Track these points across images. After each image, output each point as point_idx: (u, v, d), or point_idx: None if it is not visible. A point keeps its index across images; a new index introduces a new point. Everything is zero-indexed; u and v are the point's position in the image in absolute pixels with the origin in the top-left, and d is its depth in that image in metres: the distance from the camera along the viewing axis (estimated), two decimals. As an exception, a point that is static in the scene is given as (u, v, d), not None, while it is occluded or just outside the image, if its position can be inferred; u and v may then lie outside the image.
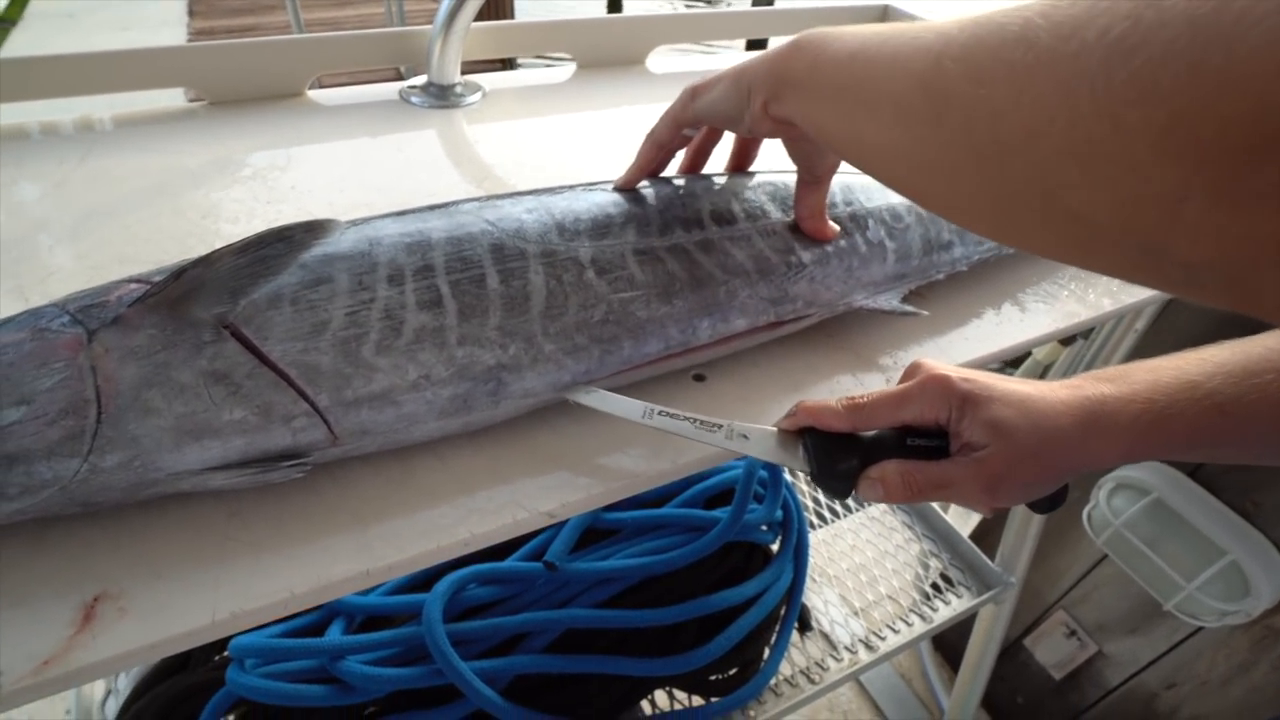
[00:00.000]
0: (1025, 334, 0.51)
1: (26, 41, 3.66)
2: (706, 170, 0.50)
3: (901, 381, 0.41)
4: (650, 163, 0.45)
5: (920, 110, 0.28)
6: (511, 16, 3.76)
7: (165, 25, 3.72)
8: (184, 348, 0.32)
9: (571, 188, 0.44)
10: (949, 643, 1.29)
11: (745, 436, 0.37)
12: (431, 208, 0.41)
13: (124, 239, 0.49)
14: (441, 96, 0.71)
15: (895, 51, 0.30)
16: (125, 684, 0.77)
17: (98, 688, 0.78)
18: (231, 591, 0.31)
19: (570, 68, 0.81)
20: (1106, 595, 0.99)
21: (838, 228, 0.46)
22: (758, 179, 0.48)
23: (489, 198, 0.42)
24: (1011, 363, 1.27)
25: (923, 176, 0.30)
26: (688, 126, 0.44)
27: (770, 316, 0.43)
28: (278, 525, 0.33)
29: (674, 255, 0.41)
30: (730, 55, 0.95)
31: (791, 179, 0.49)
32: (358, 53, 0.69)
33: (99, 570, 0.31)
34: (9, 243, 0.48)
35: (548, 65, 0.78)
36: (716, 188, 0.46)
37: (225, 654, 0.72)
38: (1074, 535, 0.98)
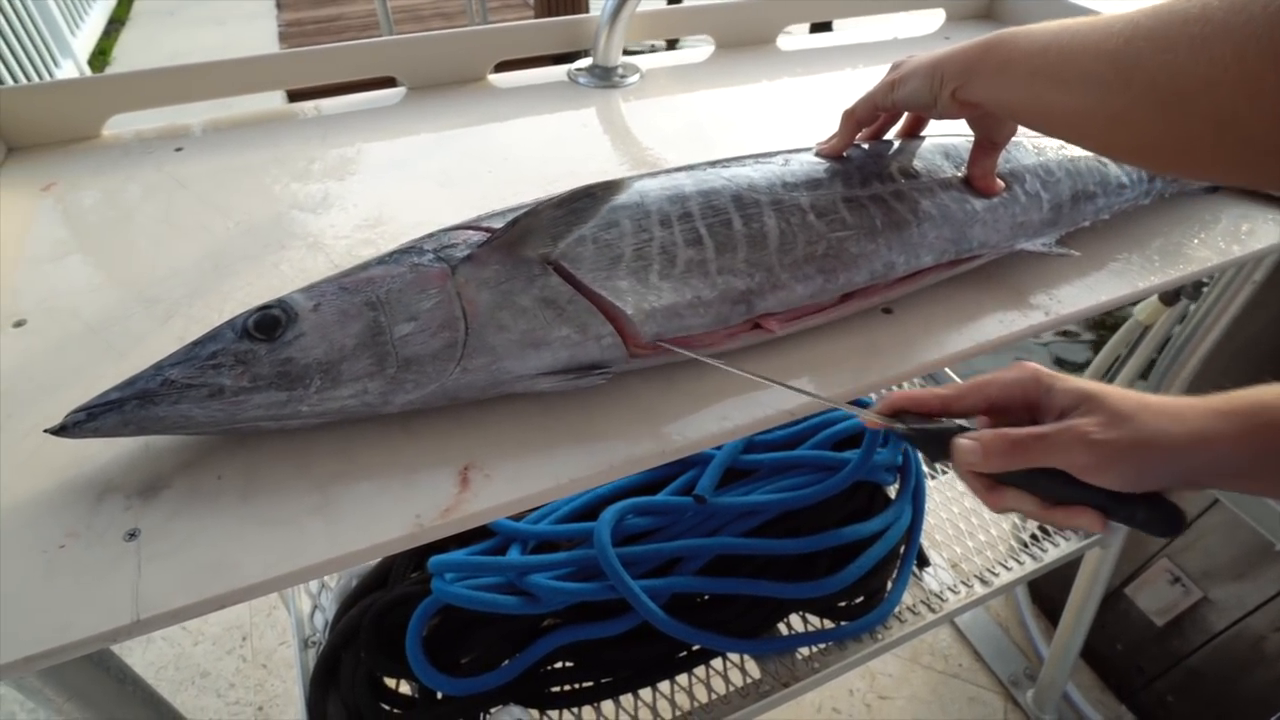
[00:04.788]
0: (1162, 276, 0.57)
1: (136, 38, 3.89)
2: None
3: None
4: (851, 136, 0.53)
5: (1110, 79, 0.35)
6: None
7: (257, 17, 3.92)
8: (521, 279, 0.41)
9: (782, 152, 0.52)
10: (1046, 594, 1.34)
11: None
12: (678, 168, 0.49)
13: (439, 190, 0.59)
14: (605, 78, 0.79)
15: (1085, 39, 0.37)
16: (329, 601, 0.89)
17: (305, 603, 0.90)
18: (564, 465, 0.40)
19: (709, 48, 0.89)
20: (1213, 542, 1.04)
21: (1003, 184, 0.53)
22: (929, 143, 0.56)
23: (721, 160, 0.50)
24: (1109, 326, 1.30)
25: (1111, 131, 0.38)
26: (884, 111, 0.53)
27: (951, 255, 0.51)
28: (588, 421, 0.42)
29: (874, 203, 0.49)
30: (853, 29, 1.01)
31: (954, 141, 0.56)
32: (536, 39, 0.78)
33: (462, 449, 0.41)
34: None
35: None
36: (900, 149, 0.54)
37: (419, 573, 0.82)
38: (1179, 484, 1.03)
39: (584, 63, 0.81)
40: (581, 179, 0.63)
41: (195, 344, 0.39)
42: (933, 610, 0.91)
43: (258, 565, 0.34)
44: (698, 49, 0.89)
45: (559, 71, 0.81)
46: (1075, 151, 0.58)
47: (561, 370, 0.42)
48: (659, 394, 0.45)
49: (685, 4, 0.86)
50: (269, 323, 0.39)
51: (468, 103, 0.75)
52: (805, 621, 0.90)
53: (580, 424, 0.42)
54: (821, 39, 0.94)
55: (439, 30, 0.76)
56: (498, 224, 0.43)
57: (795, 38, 0.92)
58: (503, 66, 0.80)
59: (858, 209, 0.48)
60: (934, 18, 1.01)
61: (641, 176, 0.48)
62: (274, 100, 0.75)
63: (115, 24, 4.02)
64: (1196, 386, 1.01)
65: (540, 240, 0.41)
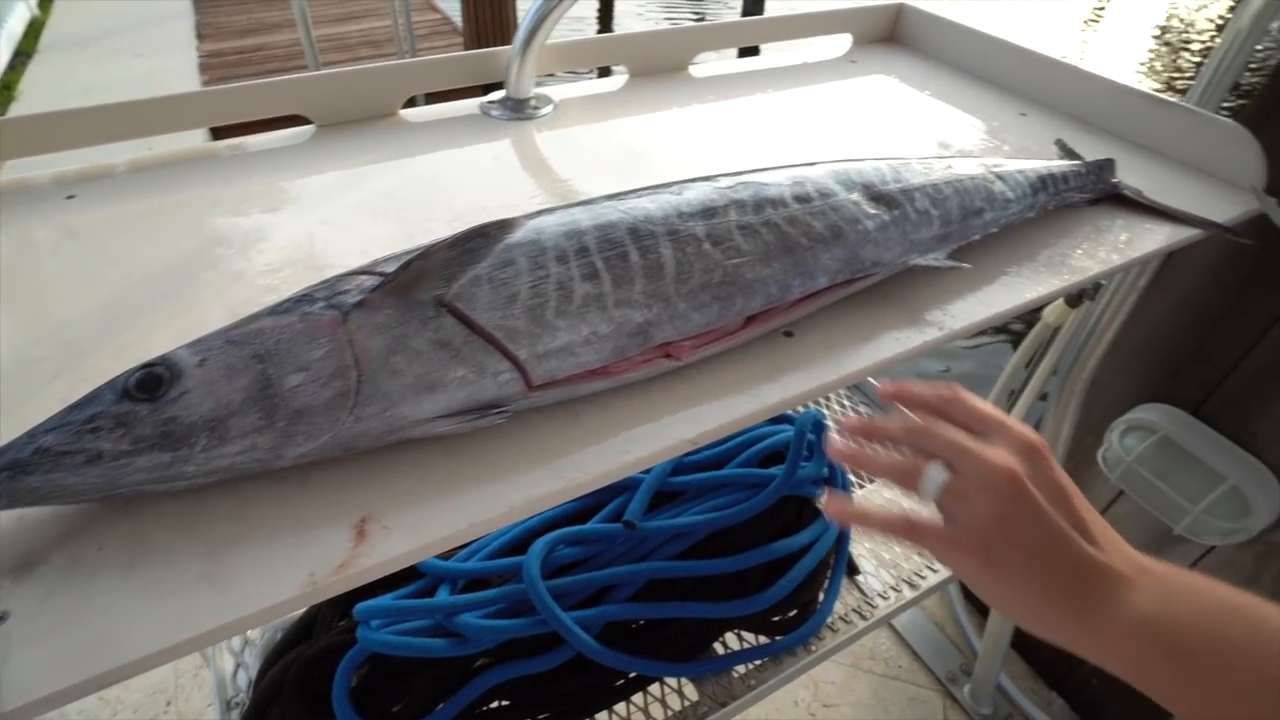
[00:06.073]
0: (1048, 286, 0.60)
1: (45, 72, 3.74)
2: (773, 162, 0.59)
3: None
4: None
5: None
6: (514, 19, 3.84)
7: (176, 48, 3.81)
8: (414, 322, 0.41)
9: (680, 182, 0.53)
10: (977, 592, 1.38)
11: None
12: (574, 204, 0.50)
13: (344, 232, 0.58)
14: (518, 110, 0.80)
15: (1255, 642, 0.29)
16: (253, 657, 0.86)
17: (227, 662, 0.87)
18: (464, 510, 0.40)
19: (624, 77, 0.90)
20: (1121, 529, 1.08)
21: None
22: (822, 168, 0.57)
23: (617, 194, 0.51)
24: (1016, 334, 1.35)
25: None
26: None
27: (846, 274, 0.52)
28: (488, 462, 0.42)
29: (768, 228, 0.50)
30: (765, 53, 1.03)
31: (846, 166, 0.58)
32: (446, 74, 0.78)
33: (359, 500, 0.40)
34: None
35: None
36: (794, 175, 0.55)
37: (345, 621, 0.80)
38: (1089, 476, 1.08)
39: (497, 95, 0.82)
40: (491, 213, 0.63)
41: (72, 407, 0.37)
42: (864, 618, 0.93)
43: (140, 640, 0.33)
44: (612, 77, 0.91)
45: (472, 105, 0.82)
46: (962, 170, 0.61)
47: (459, 411, 0.42)
48: (562, 429, 0.45)
49: (599, 34, 0.87)
50: (151, 381, 0.38)
51: (378, 139, 0.75)
52: (741, 639, 0.91)
53: (481, 465, 0.42)
54: (732, 65, 0.96)
55: (351, 67, 0.76)
56: (392, 267, 0.43)
57: (706, 65, 0.95)
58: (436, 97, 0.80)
59: (752, 235, 0.50)
60: (841, 42, 1.05)
61: (539, 213, 0.48)
62: (193, 138, 0.73)
63: (21, 57, 3.86)
64: (1100, 380, 1.06)
65: (434, 282, 0.41)
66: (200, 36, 3.90)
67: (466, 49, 4.19)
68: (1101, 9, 7.90)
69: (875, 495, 1.13)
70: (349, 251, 0.58)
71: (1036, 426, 1.13)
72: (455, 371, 0.41)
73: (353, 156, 0.71)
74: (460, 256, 0.42)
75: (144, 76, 3.57)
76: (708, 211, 0.50)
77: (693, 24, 0.96)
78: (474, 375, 0.41)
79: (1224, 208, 0.71)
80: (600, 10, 6.91)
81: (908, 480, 0.39)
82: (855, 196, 0.54)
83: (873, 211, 0.54)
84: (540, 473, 0.42)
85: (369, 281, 0.42)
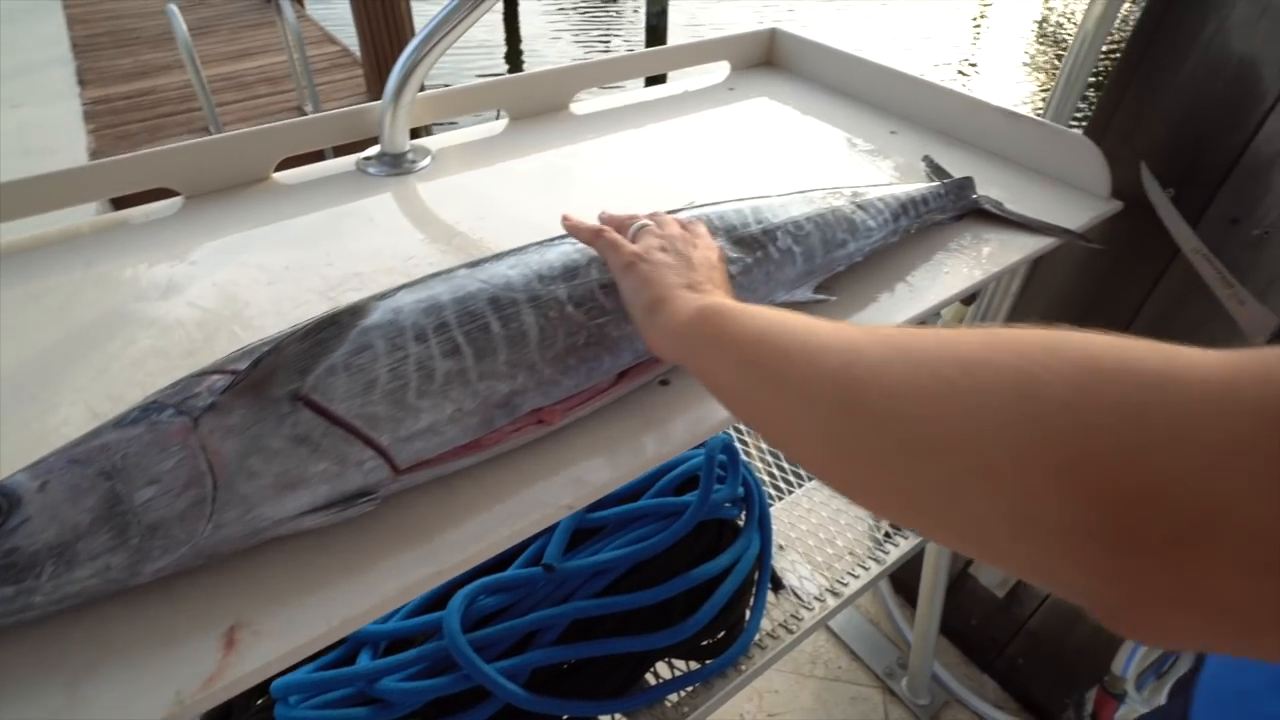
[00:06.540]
0: (918, 306, 0.63)
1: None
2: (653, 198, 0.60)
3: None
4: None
5: (830, 400, 0.31)
6: (411, 29, 3.78)
7: (58, 97, 3.61)
8: (270, 420, 0.40)
9: (539, 243, 0.54)
10: (908, 585, 1.43)
11: None
12: (432, 276, 0.50)
13: (208, 316, 0.57)
14: (396, 164, 0.79)
15: (804, 345, 0.33)
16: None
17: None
18: (337, 605, 0.39)
19: (504, 121, 0.90)
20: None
21: None
22: (685, 214, 0.59)
23: (476, 261, 0.51)
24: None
25: (830, 457, 0.32)
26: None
27: (716, 324, 0.54)
28: (360, 549, 0.42)
29: (633, 287, 0.51)
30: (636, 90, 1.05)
31: (710, 210, 0.60)
32: (316, 134, 0.77)
33: (228, 606, 0.39)
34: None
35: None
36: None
37: (264, 699, 0.78)
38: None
39: (373, 151, 0.81)
40: (365, 280, 0.63)
41: (-100, 548, 0.36)
42: (790, 631, 0.95)
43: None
44: (492, 122, 0.91)
45: (349, 162, 0.81)
46: (823, 202, 0.64)
47: (325, 505, 0.41)
48: (437, 505, 0.45)
49: (474, 82, 0.87)
50: (-13, 511, 0.36)
51: (250, 206, 0.73)
52: (672, 667, 0.92)
53: (352, 554, 0.42)
54: (614, 99, 0.97)
55: (216, 136, 0.74)
56: (244, 365, 0.42)
57: (588, 101, 0.96)
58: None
59: (614, 293, 0.50)
60: (720, 69, 1.07)
61: (399, 289, 0.48)
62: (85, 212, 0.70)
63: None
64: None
65: (287, 376, 0.41)
66: (83, 83, 3.71)
67: (366, 79, 4.10)
68: (989, 4, 8.27)
69: (805, 498, 1.16)
70: (217, 335, 0.56)
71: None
72: (316, 466, 0.40)
73: (223, 228, 0.70)
74: (313, 348, 0.41)
75: (22, 129, 3.37)
76: (569, 272, 0.50)
77: (569, 64, 0.97)
78: (336, 467, 0.41)
79: (1078, 213, 0.76)
80: (507, 34, 6.91)
81: (625, 223, 0.53)
82: (718, 242, 0.56)
83: (736, 255, 0.56)
84: (415, 554, 0.42)
85: (220, 381, 0.41)
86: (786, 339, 0.35)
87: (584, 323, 0.49)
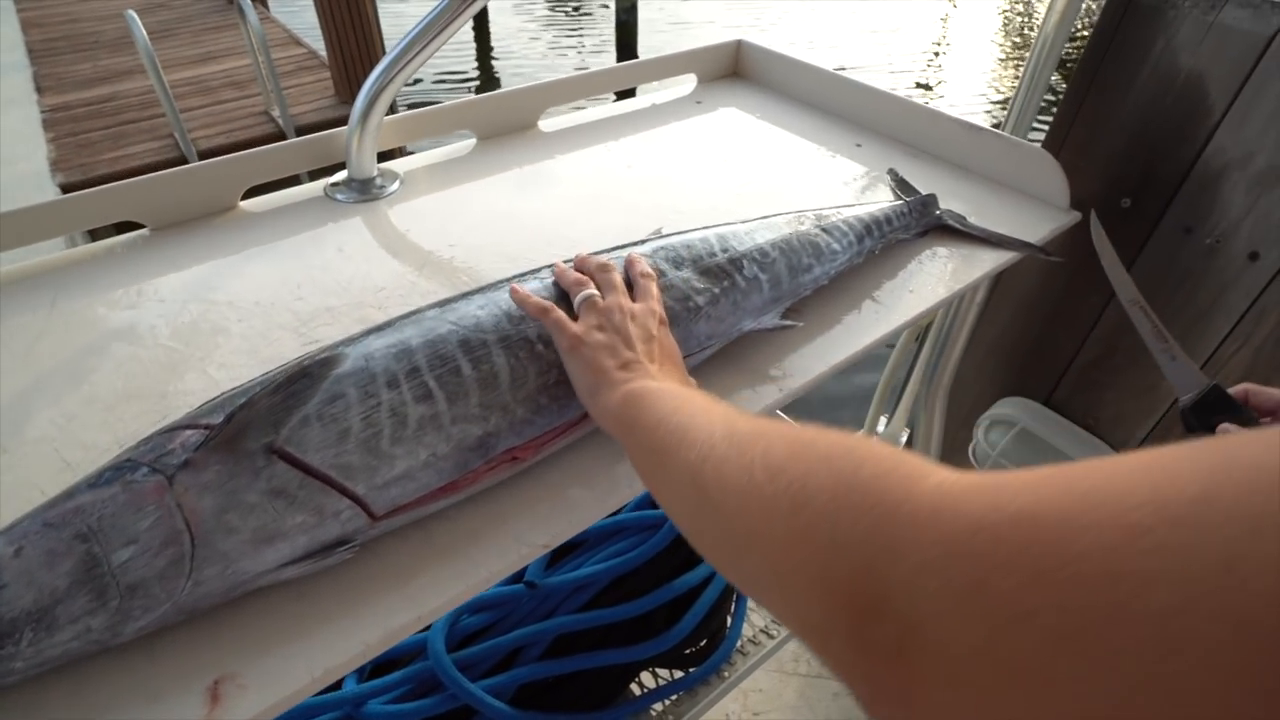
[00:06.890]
0: (884, 327, 0.64)
1: None
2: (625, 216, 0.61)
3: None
4: None
5: (688, 491, 0.36)
6: (378, 29, 3.73)
7: (14, 105, 3.51)
8: (245, 475, 0.41)
9: (508, 279, 0.54)
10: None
11: None
12: (402, 317, 0.50)
13: (173, 356, 0.57)
14: (364, 190, 0.79)
15: (681, 437, 0.37)
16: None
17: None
18: (320, 654, 0.40)
19: (472, 140, 0.90)
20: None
21: None
22: (651, 244, 0.60)
23: (445, 301, 0.52)
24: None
25: (693, 540, 0.36)
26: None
27: (682, 351, 0.55)
28: (340, 598, 0.43)
29: (604, 323, 0.52)
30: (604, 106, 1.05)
31: (673, 240, 0.61)
32: (283, 161, 0.77)
33: (212, 660, 0.40)
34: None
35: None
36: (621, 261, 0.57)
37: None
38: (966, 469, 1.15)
39: (340, 176, 0.81)
40: (337, 315, 0.63)
41: (-125, 620, 0.36)
42: (771, 636, 0.96)
43: None
44: (460, 143, 0.91)
45: (316, 188, 0.80)
46: (788, 229, 0.65)
47: (304, 555, 0.42)
48: (414, 550, 0.45)
49: (443, 104, 0.87)
50: (-38, 580, 0.36)
51: (218, 236, 0.73)
52: (656, 677, 0.93)
53: (333, 604, 0.42)
54: (582, 115, 0.98)
55: (181, 168, 0.74)
56: (217, 419, 0.42)
57: (557, 118, 0.96)
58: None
59: (586, 331, 0.51)
60: (687, 82, 1.08)
61: (369, 332, 0.49)
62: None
63: None
64: (964, 379, 1.13)
65: (260, 430, 0.41)
66: (40, 90, 3.61)
67: (334, 82, 4.03)
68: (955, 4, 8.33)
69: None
70: (188, 375, 0.56)
71: (913, 425, 1.20)
72: (294, 518, 0.41)
73: (191, 260, 0.69)
74: (286, 400, 0.42)
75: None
76: (540, 311, 0.51)
77: (536, 83, 0.97)
78: (314, 519, 0.41)
79: (1039, 224, 0.78)
80: (476, 32, 6.86)
81: (573, 289, 0.53)
82: (685, 274, 0.57)
83: (702, 286, 0.57)
84: (395, 599, 0.43)
85: (194, 437, 0.41)
86: (668, 429, 0.39)
87: (554, 361, 0.49)
